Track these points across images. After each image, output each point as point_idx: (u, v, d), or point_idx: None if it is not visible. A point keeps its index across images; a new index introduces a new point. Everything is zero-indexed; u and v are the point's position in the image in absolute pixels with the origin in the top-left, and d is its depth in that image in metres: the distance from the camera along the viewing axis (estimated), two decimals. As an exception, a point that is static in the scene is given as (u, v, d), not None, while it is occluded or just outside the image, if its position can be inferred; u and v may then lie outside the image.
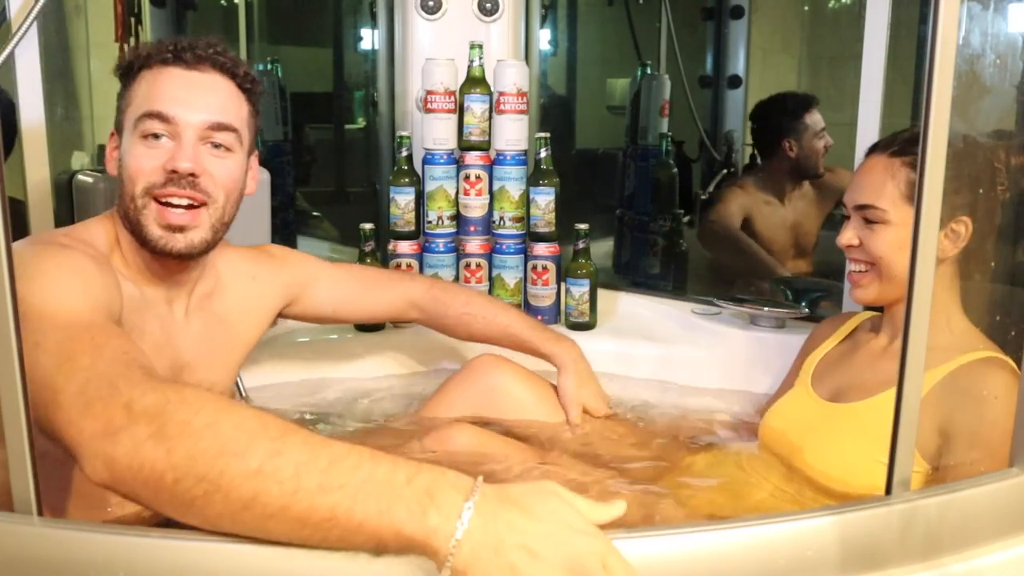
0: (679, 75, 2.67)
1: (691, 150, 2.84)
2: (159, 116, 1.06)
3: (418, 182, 1.85)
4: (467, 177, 1.84)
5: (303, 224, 2.57)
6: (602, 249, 2.48)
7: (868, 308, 1.36)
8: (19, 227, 1.34)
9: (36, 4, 1.37)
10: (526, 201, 1.84)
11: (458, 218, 1.86)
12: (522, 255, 1.86)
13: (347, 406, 1.62)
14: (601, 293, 1.87)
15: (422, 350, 1.78)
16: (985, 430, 1.08)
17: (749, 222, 2.38)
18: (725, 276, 2.45)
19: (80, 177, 1.60)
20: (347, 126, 2.99)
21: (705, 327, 1.77)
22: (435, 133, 1.83)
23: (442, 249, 1.85)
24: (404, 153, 1.84)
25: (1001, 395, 1.08)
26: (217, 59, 1.11)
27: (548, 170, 1.83)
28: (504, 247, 1.85)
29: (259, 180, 1.25)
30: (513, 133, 1.83)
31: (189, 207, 1.08)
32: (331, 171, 2.99)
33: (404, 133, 1.86)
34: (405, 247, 1.84)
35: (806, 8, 2.92)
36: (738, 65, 2.87)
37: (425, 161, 1.84)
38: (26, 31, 1.39)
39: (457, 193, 1.85)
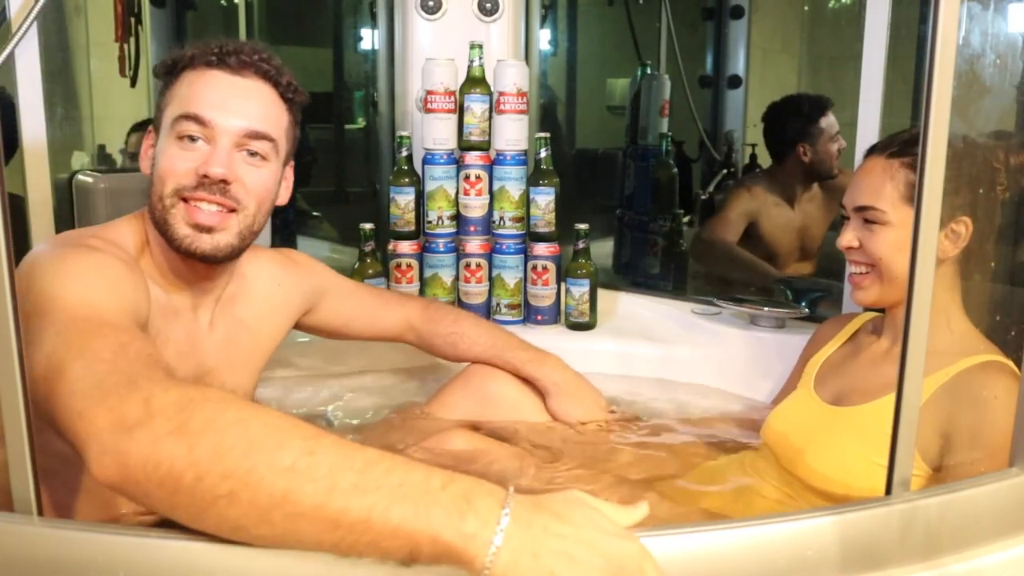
0: (679, 75, 2.66)
1: (691, 150, 2.83)
2: (196, 119, 1.05)
3: (418, 182, 1.85)
4: (467, 177, 1.83)
5: (303, 224, 2.56)
6: (602, 249, 2.47)
7: (869, 309, 1.36)
8: (18, 222, 1.33)
9: (36, 4, 1.37)
10: (526, 201, 1.84)
11: (458, 218, 1.86)
12: (522, 255, 1.86)
13: (344, 405, 1.62)
14: (601, 293, 1.87)
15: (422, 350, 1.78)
16: (985, 433, 1.08)
17: (755, 225, 2.36)
18: (724, 279, 2.44)
19: (80, 177, 1.60)
20: (347, 126, 2.98)
21: (705, 327, 1.77)
22: (435, 133, 1.83)
23: (442, 249, 1.85)
24: (404, 153, 1.84)
25: (1001, 398, 1.08)
26: (261, 66, 1.09)
27: (548, 170, 1.83)
28: (504, 247, 1.85)
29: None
30: (513, 133, 1.83)
31: (219, 210, 1.07)
32: (331, 171, 2.98)
33: (404, 133, 1.86)
34: (405, 247, 1.84)
35: (806, 8, 2.91)
36: (738, 65, 2.86)
37: (425, 161, 1.84)
38: (26, 31, 1.38)
39: (457, 193, 1.85)
